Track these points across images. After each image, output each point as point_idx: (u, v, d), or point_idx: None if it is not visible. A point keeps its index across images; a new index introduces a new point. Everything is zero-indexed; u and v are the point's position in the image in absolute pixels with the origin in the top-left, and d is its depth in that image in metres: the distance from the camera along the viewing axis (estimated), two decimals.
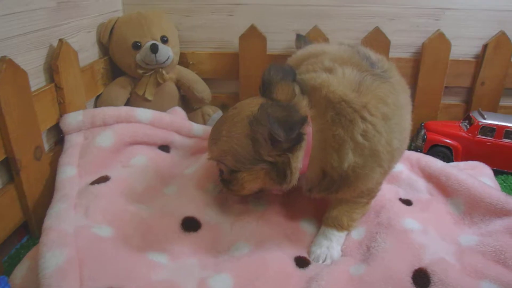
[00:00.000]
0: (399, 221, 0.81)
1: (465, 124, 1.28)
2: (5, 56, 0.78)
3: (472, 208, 0.87)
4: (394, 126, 0.74)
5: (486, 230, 0.81)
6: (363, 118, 0.71)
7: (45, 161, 0.91)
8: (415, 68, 1.38)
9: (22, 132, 0.82)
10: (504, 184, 1.16)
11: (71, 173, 0.88)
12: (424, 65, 1.36)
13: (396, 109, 0.76)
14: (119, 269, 0.63)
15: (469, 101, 1.42)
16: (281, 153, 0.70)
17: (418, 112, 1.41)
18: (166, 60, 1.23)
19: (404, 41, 1.37)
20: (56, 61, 0.94)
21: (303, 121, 0.67)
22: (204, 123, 1.38)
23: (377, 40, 1.33)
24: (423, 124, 1.33)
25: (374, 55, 0.88)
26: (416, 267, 0.70)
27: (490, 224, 0.82)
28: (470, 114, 1.28)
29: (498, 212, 0.83)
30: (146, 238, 0.75)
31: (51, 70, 0.95)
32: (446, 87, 1.39)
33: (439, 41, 1.32)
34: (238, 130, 0.72)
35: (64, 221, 0.71)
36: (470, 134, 1.23)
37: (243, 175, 0.74)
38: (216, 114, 1.41)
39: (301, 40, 1.30)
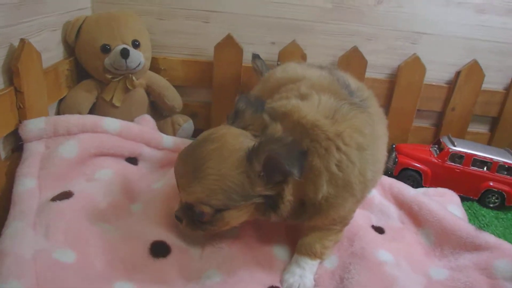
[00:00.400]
0: (372, 252, 0.82)
1: (435, 148, 1.33)
2: None
3: (443, 240, 0.90)
4: (368, 157, 0.75)
5: (456, 264, 0.84)
6: (338, 148, 0.72)
7: (1, 170, 0.86)
8: (390, 89, 1.42)
9: None
10: (469, 210, 1.22)
11: (29, 185, 0.83)
12: (399, 87, 1.40)
13: (372, 140, 0.77)
14: None
15: (439, 125, 1.48)
16: (275, 186, 0.70)
17: (390, 133, 1.40)
18: (137, 66, 1.19)
19: (381, 62, 1.41)
20: (16, 62, 0.88)
21: (306, 154, 0.69)
22: (174, 132, 1.35)
23: (355, 59, 1.36)
24: (394, 146, 1.37)
25: (354, 83, 0.89)
26: None
27: (460, 258, 0.85)
28: (441, 140, 1.33)
29: (468, 246, 0.86)
30: (112, 265, 0.72)
31: (11, 72, 0.89)
32: (418, 110, 1.44)
33: (415, 64, 1.37)
34: (230, 166, 0.69)
35: (22, 243, 0.67)
36: (439, 160, 1.27)
37: (231, 212, 0.72)
38: (186, 123, 1.38)
39: (257, 60, 1.31)
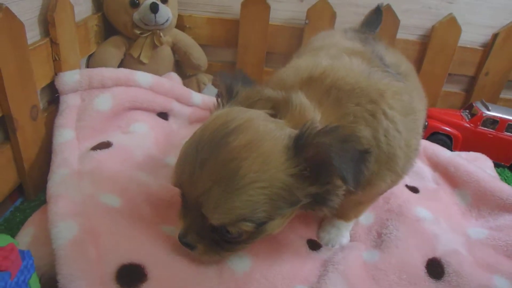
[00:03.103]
0: (410, 209, 0.84)
1: (466, 113, 1.33)
2: (2, 4, 0.74)
3: (480, 201, 0.91)
4: (412, 124, 0.69)
5: (495, 224, 0.85)
6: (384, 113, 0.63)
7: (40, 121, 0.89)
8: (421, 52, 1.41)
9: (19, 88, 0.79)
10: (500, 177, 1.22)
11: (68, 136, 0.87)
12: (431, 49, 1.39)
13: (412, 108, 0.71)
14: (137, 244, 0.64)
15: (469, 91, 1.47)
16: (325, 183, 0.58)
17: None
18: (165, 22, 1.20)
19: (414, 22, 1.39)
20: (52, 13, 0.90)
21: (368, 155, 0.56)
22: (199, 91, 1.38)
23: (387, 18, 1.33)
24: None
25: (391, 57, 0.82)
26: (430, 257, 0.74)
27: (499, 218, 0.86)
28: (473, 104, 1.33)
29: (508, 207, 0.87)
30: (156, 210, 0.75)
31: (46, 22, 0.91)
32: (449, 74, 1.43)
33: (450, 25, 1.34)
34: (276, 166, 0.54)
35: (70, 188, 0.71)
36: (472, 125, 1.28)
37: (274, 222, 0.59)
38: (211, 83, 1.41)
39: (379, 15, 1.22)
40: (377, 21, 1.18)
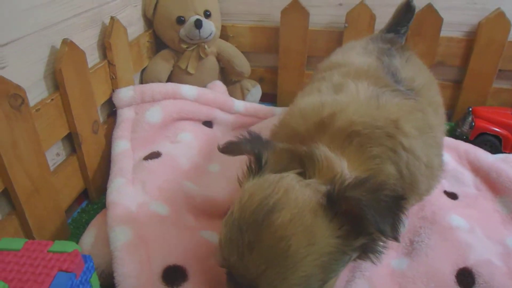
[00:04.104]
0: (444, 217, 0.85)
1: None
2: (67, 39, 0.86)
3: None
4: (431, 140, 0.71)
5: None
6: (402, 146, 0.66)
7: (101, 133, 1.02)
8: (467, 48, 1.39)
9: (82, 108, 0.92)
10: None
11: (124, 146, 0.99)
12: (478, 46, 1.36)
13: (428, 124, 0.72)
14: (181, 248, 0.74)
15: None
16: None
17: (466, 96, 1.43)
18: (209, 35, 1.30)
19: (458, 19, 1.37)
20: (109, 38, 1.02)
21: (404, 200, 0.54)
22: (243, 97, 1.46)
23: (428, 17, 1.33)
24: (470, 109, 1.34)
25: (407, 71, 0.83)
26: (461, 266, 0.74)
27: None
28: None
29: None
30: (198, 219, 0.85)
31: (104, 47, 1.04)
32: (499, 71, 1.39)
33: (498, 20, 1.31)
34: (321, 235, 0.54)
35: (125, 196, 0.82)
36: None
37: (330, 282, 0.59)
38: (254, 88, 1.49)
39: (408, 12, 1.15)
40: (405, 18, 1.13)
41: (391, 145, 0.65)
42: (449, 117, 1.50)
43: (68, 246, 0.56)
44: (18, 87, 0.72)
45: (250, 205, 0.56)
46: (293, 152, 0.64)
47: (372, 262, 0.59)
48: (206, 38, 1.30)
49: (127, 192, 0.84)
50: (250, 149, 0.62)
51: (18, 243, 0.57)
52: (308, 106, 0.72)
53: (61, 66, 0.84)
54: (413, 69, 0.87)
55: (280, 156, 0.63)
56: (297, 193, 0.56)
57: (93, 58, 1.01)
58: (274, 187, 0.57)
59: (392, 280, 0.74)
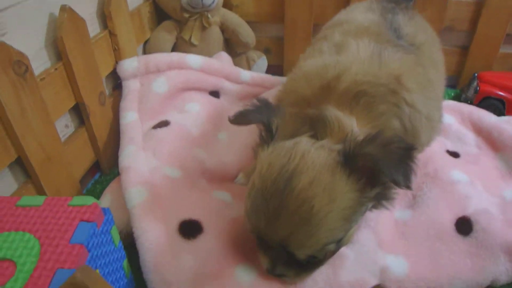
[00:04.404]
0: (446, 173, 0.89)
1: None
2: (65, 5, 0.86)
3: None
4: (431, 94, 0.75)
5: None
6: (405, 100, 0.69)
7: (108, 106, 1.04)
8: (476, 12, 1.37)
9: (87, 79, 0.93)
10: None
11: (132, 117, 1.01)
12: (486, 10, 1.34)
13: (426, 79, 0.76)
14: (195, 205, 0.77)
15: None
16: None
17: (472, 61, 1.42)
18: (212, 3, 1.28)
19: None
20: (108, 7, 1.02)
21: (414, 149, 0.58)
22: (249, 68, 1.46)
23: None
24: (476, 75, 1.34)
25: (410, 27, 0.84)
26: (460, 216, 0.79)
27: None
28: None
29: None
30: (210, 180, 0.88)
31: (103, 16, 1.03)
32: (507, 35, 1.37)
33: None
34: (340, 192, 0.58)
35: (138, 161, 0.85)
36: None
37: (351, 232, 0.66)
38: (260, 59, 1.48)
39: None
40: None
41: (395, 101, 0.69)
42: (455, 84, 1.49)
43: (87, 200, 0.59)
44: (20, 53, 0.73)
45: (270, 175, 0.60)
46: (303, 116, 0.68)
47: (386, 208, 0.65)
48: (209, 6, 1.28)
49: (139, 158, 0.87)
50: (259, 118, 0.65)
51: (39, 200, 0.60)
52: (311, 70, 0.75)
53: (62, 34, 0.84)
54: (416, 26, 0.89)
55: (291, 121, 0.67)
56: (313, 156, 0.59)
57: (93, 28, 1.02)
58: (290, 154, 0.60)
59: (396, 229, 0.79)
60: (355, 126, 0.65)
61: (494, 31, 1.37)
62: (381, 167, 0.55)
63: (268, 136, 0.65)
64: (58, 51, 0.86)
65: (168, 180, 0.82)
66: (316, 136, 0.65)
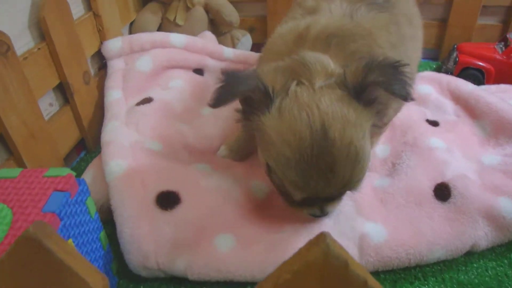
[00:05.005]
0: (424, 140, 0.86)
1: (501, 46, 1.25)
2: None
3: (499, 130, 0.90)
4: (402, 55, 0.71)
5: (510, 151, 0.85)
6: (377, 45, 0.67)
7: (93, 85, 1.01)
8: None
9: (71, 58, 0.90)
10: None
11: (116, 95, 0.98)
12: None
13: (400, 39, 0.73)
14: (173, 176, 0.75)
15: (507, 22, 1.38)
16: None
17: (451, 33, 1.39)
18: None
19: None
20: None
21: (401, 64, 0.58)
22: (234, 47, 1.43)
23: None
24: (455, 46, 1.32)
25: None
26: (439, 181, 0.76)
27: None
28: (507, 36, 1.25)
29: None
30: (192, 154, 0.86)
31: None
32: (483, 6, 1.35)
33: None
34: (365, 127, 0.59)
35: (120, 136, 0.82)
36: (504, 57, 1.21)
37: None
38: (244, 38, 1.45)
39: None
40: None
41: (366, 43, 0.67)
42: (437, 56, 1.47)
43: (63, 171, 0.57)
44: (1, 33, 0.71)
45: (304, 141, 0.56)
46: (283, 68, 0.63)
47: (379, 127, 0.66)
48: None
49: (121, 132, 0.85)
50: (248, 85, 0.58)
51: (15, 172, 0.58)
52: (285, 30, 0.74)
53: (44, 14, 0.82)
54: None
55: (275, 77, 0.61)
56: (327, 102, 0.57)
57: (78, 10, 0.99)
58: (306, 111, 0.57)
59: (375, 196, 0.77)
60: (332, 64, 0.62)
61: (471, 3, 1.34)
62: (390, 90, 0.56)
63: (265, 100, 0.59)
64: (41, 31, 0.83)
65: (149, 153, 0.79)
66: (301, 82, 0.61)
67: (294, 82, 0.60)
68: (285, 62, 0.64)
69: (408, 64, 0.58)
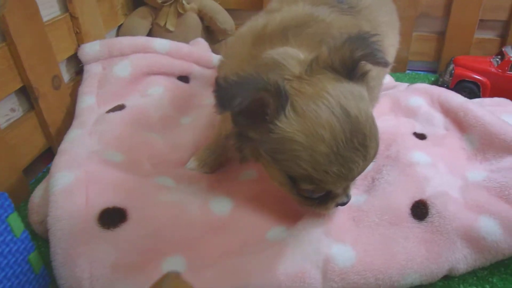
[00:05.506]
0: (407, 154, 0.77)
1: (497, 59, 1.17)
2: None
3: (486, 144, 0.82)
4: None
5: (496, 166, 0.76)
6: (335, 29, 0.62)
7: (66, 90, 0.92)
8: None
9: (37, 61, 0.81)
10: None
11: (90, 102, 0.89)
12: None
13: None
14: (125, 191, 0.65)
15: (505, 36, 1.29)
16: None
17: (449, 46, 1.32)
18: None
19: None
20: None
21: (371, 35, 0.57)
22: None
23: None
24: (452, 59, 1.23)
25: None
26: (417, 199, 0.67)
27: (502, 161, 0.76)
28: (503, 49, 1.16)
29: (511, 149, 0.77)
30: (155, 166, 0.76)
31: None
32: (481, 20, 1.27)
33: None
34: (366, 100, 0.56)
35: (78, 145, 0.73)
36: (500, 70, 1.13)
37: None
38: None
39: None
40: None
41: (322, 26, 0.62)
42: (435, 69, 1.41)
43: None
44: None
45: (335, 130, 0.51)
46: (259, 71, 0.53)
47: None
48: None
49: (81, 142, 0.76)
50: (261, 84, 0.49)
51: None
52: (244, 30, 0.69)
53: (5, 13, 0.73)
54: None
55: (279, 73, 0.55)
56: (332, 86, 0.53)
57: (52, 10, 0.90)
58: (321, 101, 0.52)
59: (347, 214, 0.67)
60: (300, 53, 0.57)
61: (468, 17, 1.27)
62: (375, 60, 0.54)
63: (279, 101, 0.50)
64: (2, 32, 0.74)
65: (106, 165, 0.70)
66: (287, 79, 0.54)
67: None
68: (255, 66, 0.57)
69: (378, 34, 0.56)
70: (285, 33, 0.60)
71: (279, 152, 0.53)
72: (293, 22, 0.62)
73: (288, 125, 0.51)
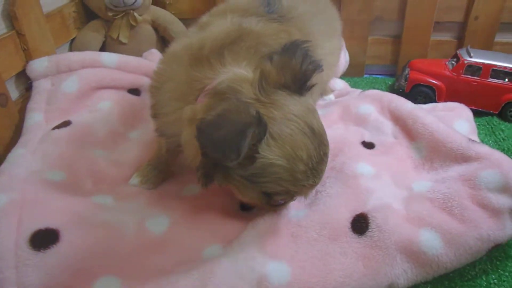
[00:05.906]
0: (351, 165, 0.80)
1: (452, 62, 1.22)
2: None
3: (434, 152, 0.84)
4: None
5: (442, 176, 0.78)
6: (264, 42, 0.67)
7: (13, 107, 0.94)
8: (402, 2, 1.31)
9: None
10: (487, 125, 1.13)
11: (37, 118, 0.91)
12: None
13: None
14: (60, 211, 0.67)
15: (462, 37, 1.35)
16: None
17: (406, 49, 1.37)
18: (134, 2, 1.20)
19: None
20: (13, 7, 0.93)
21: (306, 43, 0.64)
22: None
23: None
24: (407, 63, 1.27)
25: (291, 1, 0.81)
26: (358, 213, 0.69)
27: (449, 170, 0.78)
28: (458, 52, 1.21)
29: (458, 157, 0.79)
30: (97, 184, 0.78)
31: (10, 16, 0.94)
32: (437, 22, 1.32)
33: None
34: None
35: (19, 166, 0.75)
36: (454, 73, 1.17)
37: None
38: None
39: None
40: None
41: (253, 37, 0.67)
42: (394, 72, 1.44)
43: None
44: None
45: (309, 149, 0.58)
46: (216, 100, 0.59)
47: None
48: (132, 4, 1.20)
49: (21, 162, 0.77)
50: (247, 122, 0.53)
51: None
52: (178, 50, 0.72)
53: None
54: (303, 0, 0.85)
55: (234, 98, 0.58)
56: (293, 106, 0.59)
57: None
58: (292, 123, 0.58)
59: (286, 230, 0.69)
60: (245, 72, 0.62)
61: (423, 19, 1.32)
62: (319, 69, 0.61)
63: (262, 131, 0.55)
64: None
65: (44, 185, 0.72)
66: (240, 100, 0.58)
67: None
68: (211, 97, 0.60)
69: (310, 41, 0.62)
70: (221, 52, 0.64)
71: (260, 176, 0.57)
72: (227, 39, 0.66)
73: (269, 152, 0.56)
